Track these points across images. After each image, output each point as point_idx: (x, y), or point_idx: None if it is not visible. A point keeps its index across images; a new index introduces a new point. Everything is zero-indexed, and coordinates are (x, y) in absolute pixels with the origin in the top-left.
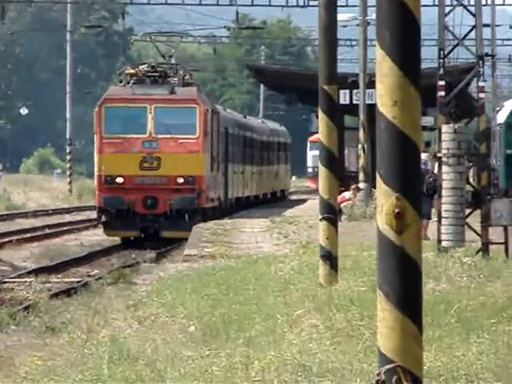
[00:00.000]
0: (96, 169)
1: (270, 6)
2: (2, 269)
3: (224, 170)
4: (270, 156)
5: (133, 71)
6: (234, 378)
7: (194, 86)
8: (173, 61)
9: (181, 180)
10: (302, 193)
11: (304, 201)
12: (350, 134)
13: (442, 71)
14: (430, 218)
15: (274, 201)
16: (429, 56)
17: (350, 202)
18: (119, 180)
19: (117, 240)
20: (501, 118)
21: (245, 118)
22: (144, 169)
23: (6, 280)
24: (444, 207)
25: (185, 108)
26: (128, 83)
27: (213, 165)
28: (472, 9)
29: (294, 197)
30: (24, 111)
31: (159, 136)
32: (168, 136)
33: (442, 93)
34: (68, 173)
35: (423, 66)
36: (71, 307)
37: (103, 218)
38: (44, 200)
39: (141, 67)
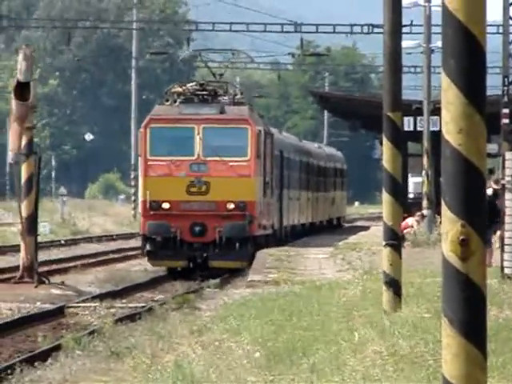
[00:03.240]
0: (140, 193)
1: (334, 32)
2: (67, 293)
3: (278, 196)
4: (326, 182)
5: (180, 90)
6: None
7: (246, 105)
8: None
9: (231, 206)
10: (367, 219)
11: (367, 228)
12: (414, 160)
13: (505, 99)
14: (489, 245)
15: (330, 229)
16: (493, 83)
17: (413, 228)
18: (165, 206)
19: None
20: None
21: (301, 141)
22: (192, 194)
23: (71, 305)
24: (507, 234)
25: (235, 128)
26: (175, 102)
27: (266, 190)
28: None
29: (357, 223)
30: (89, 137)
31: (208, 158)
32: (217, 158)
33: (506, 120)
34: (132, 198)
35: (487, 93)
36: (136, 332)
37: (148, 247)
38: (108, 225)
39: (188, 85)
